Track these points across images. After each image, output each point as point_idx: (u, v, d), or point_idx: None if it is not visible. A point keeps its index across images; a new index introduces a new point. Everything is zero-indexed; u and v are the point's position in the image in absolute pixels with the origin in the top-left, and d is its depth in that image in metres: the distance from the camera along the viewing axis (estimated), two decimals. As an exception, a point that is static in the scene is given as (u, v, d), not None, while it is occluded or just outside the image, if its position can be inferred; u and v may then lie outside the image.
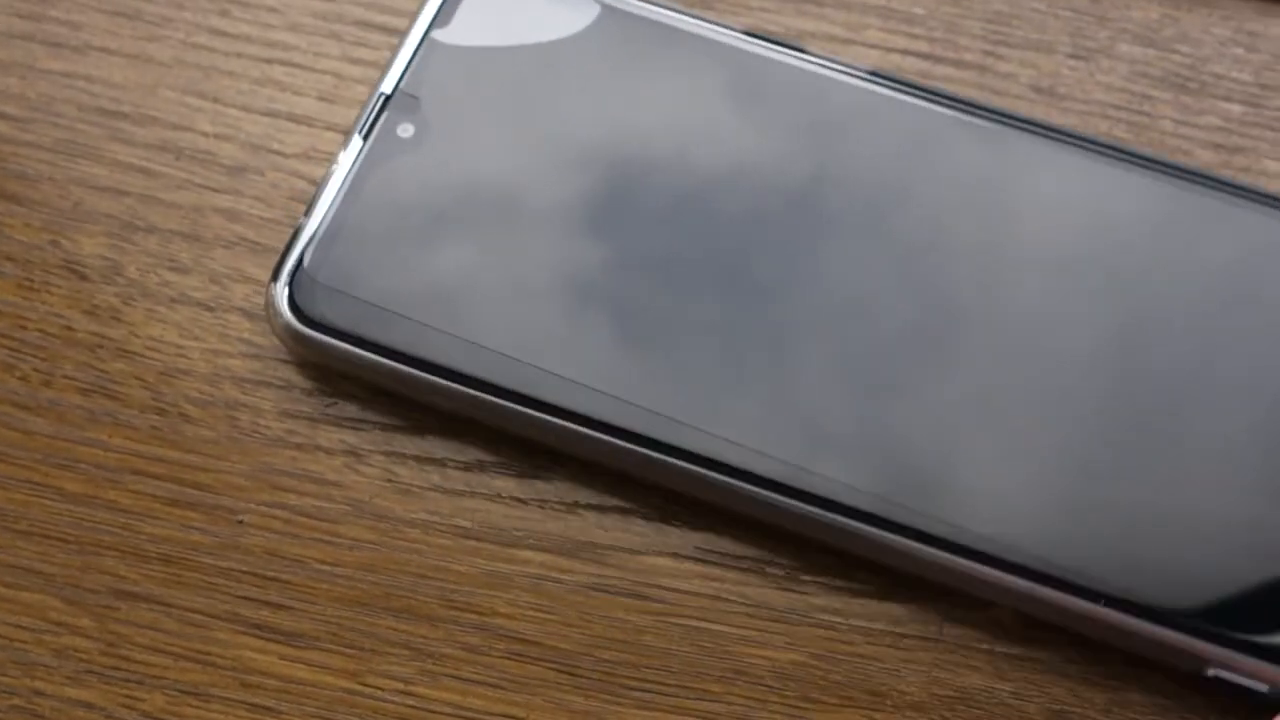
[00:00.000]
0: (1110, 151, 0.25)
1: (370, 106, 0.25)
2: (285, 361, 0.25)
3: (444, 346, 0.24)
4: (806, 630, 0.24)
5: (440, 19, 0.26)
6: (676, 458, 0.23)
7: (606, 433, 0.23)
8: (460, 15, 0.26)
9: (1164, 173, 0.25)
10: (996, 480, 0.23)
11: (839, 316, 0.24)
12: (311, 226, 0.25)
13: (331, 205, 0.25)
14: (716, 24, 0.26)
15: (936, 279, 0.24)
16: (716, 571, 0.24)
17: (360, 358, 0.24)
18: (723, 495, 0.23)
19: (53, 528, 0.24)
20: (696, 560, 0.24)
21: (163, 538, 0.24)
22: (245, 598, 0.24)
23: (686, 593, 0.24)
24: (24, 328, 0.26)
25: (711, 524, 0.24)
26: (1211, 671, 0.22)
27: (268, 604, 0.24)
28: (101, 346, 0.26)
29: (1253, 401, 0.23)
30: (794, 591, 0.24)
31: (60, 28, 0.28)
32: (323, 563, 0.24)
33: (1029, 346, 0.24)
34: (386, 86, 0.26)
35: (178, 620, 0.24)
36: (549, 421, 0.23)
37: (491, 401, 0.24)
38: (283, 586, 0.24)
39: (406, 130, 0.25)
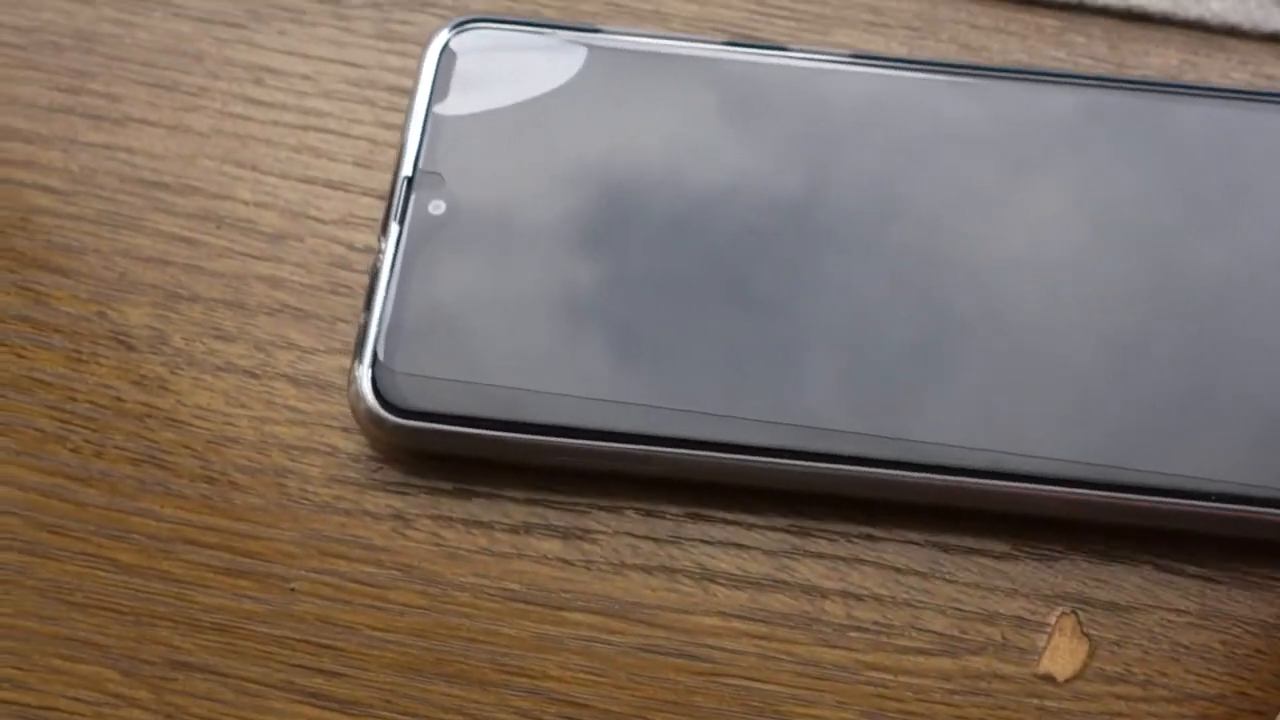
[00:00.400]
0: (1108, 84, 0.26)
1: (398, 192, 0.26)
2: (330, 427, 0.26)
3: (541, 405, 0.24)
4: (856, 688, 0.24)
5: (437, 94, 0.27)
6: (813, 460, 0.24)
7: (717, 450, 0.24)
8: (455, 86, 0.27)
9: (1160, 92, 0.26)
10: (1107, 407, 0.24)
11: (904, 289, 0.25)
12: (376, 320, 0.25)
13: (389, 295, 0.25)
14: (697, 40, 0.27)
15: (970, 237, 0.25)
16: (764, 630, 0.24)
17: (465, 436, 0.24)
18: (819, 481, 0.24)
19: (108, 599, 0.24)
20: (744, 619, 0.24)
21: (216, 607, 0.24)
22: (299, 666, 0.24)
23: (735, 652, 0.24)
24: (74, 399, 0.26)
25: (757, 581, 0.24)
26: None
27: (321, 671, 0.24)
28: (150, 416, 0.26)
29: None
30: (842, 648, 0.24)
31: (100, 100, 0.28)
32: (374, 629, 0.24)
33: (1079, 283, 0.25)
34: (406, 170, 0.26)
35: (234, 690, 0.24)
36: (657, 454, 0.24)
37: (596, 447, 0.24)
38: (336, 654, 0.24)
39: (438, 207, 0.26)
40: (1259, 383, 0.24)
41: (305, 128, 0.28)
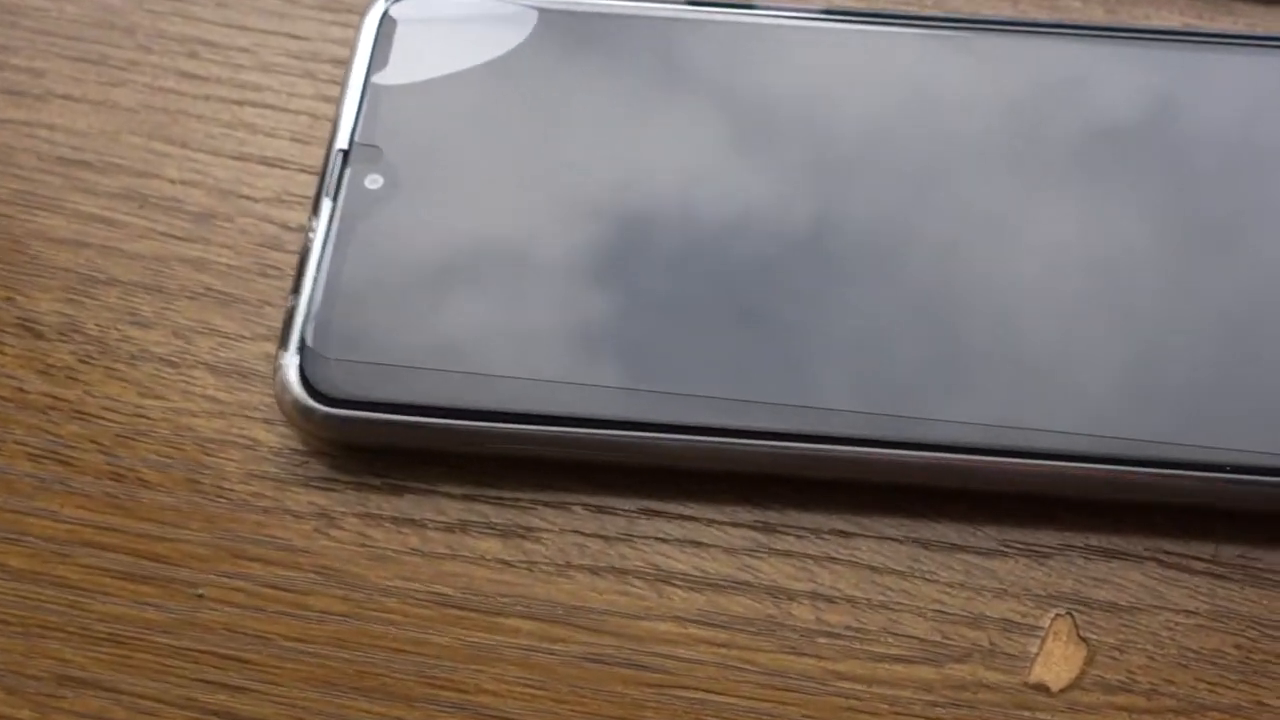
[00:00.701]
0: (1086, 32, 0.26)
1: (332, 167, 0.25)
2: (251, 418, 0.24)
3: (485, 389, 0.23)
4: (825, 700, 0.22)
5: (376, 62, 0.26)
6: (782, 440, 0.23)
7: (672, 431, 0.23)
8: (396, 54, 0.26)
9: (1141, 40, 0.25)
10: (1128, 383, 0.23)
11: (894, 258, 0.24)
12: (305, 302, 0.24)
13: (319, 276, 0.24)
14: (657, 0, 0.26)
15: (962, 189, 0.24)
16: (724, 636, 0.23)
17: (400, 424, 0.23)
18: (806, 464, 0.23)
19: (-7, 608, 0.23)
20: (701, 624, 0.23)
21: (114, 616, 0.23)
22: (202, 680, 0.22)
23: (691, 661, 0.22)
24: (-29, 391, 0.25)
25: (716, 583, 0.23)
26: None
27: (226, 687, 0.22)
28: (55, 409, 0.24)
29: None
30: (811, 656, 0.22)
31: (21, 75, 0.28)
32: (288, 638, 0.23)
33: (1088, 242, 0.24)
34: (342, 142, 0.25)
35: (127, 709, 0.22)
36: (610, 437, 0.23)
37: (544, 432, 0.23)
38: (243, 666, 0.22)
39: (375, 181, 0.25)
40: (1270, 347, 0.23)
41: (240, 102, 0.27)
